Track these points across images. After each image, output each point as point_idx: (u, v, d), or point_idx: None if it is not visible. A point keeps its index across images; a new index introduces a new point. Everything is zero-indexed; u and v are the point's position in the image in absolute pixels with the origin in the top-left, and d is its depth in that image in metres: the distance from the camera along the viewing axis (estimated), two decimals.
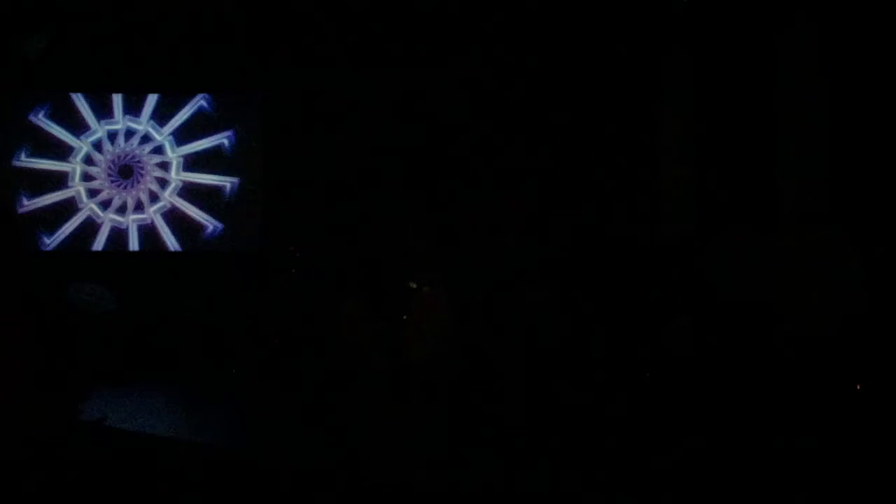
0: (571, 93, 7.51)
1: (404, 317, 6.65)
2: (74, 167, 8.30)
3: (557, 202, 7.50)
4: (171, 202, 8.31)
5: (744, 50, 6.66)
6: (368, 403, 5.91)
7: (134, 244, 8.27)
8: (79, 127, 8.32)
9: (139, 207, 8.32)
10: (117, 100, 8.32)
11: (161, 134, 8.33)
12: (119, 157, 8.34)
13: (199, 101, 8.31)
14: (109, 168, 8.34)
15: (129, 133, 8.34)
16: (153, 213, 8.31)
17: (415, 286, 6.74)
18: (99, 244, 8.25)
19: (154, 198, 8.32)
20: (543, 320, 6.87)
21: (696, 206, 7.03)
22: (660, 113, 7.36)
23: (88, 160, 8.32)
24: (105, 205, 8.32)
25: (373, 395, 6.10)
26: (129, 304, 7.79)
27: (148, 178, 8.32)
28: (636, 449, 4.39)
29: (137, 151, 8.34)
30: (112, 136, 8.34)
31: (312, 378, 6.67)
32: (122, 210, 8.32)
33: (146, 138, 8.34)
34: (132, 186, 8.33)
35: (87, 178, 8.32)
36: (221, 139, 8.31)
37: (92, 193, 8.32)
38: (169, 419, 5.69)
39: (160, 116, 8.34)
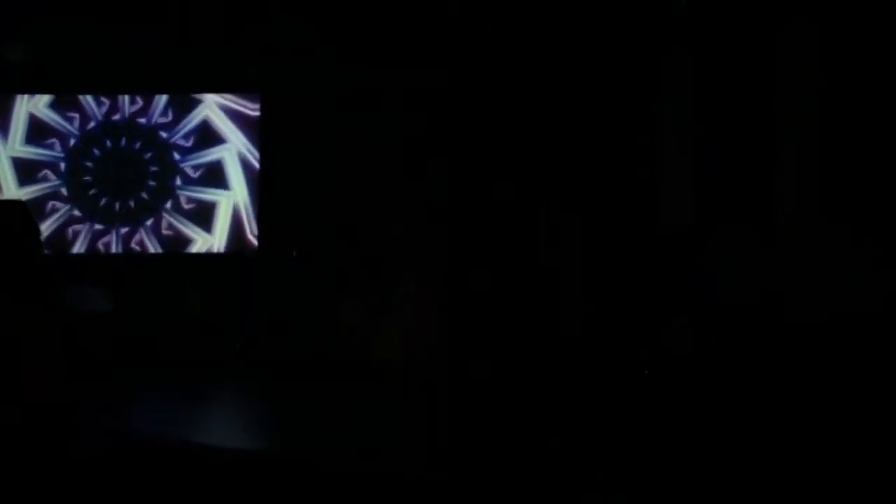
0: (571, 93, 7.50)
1: (401, 315, 6.66)
2: (69, 161, 8.16)
3: (557, 202, 7.50)
4: (161, 212, 8.15)
5: (744, 50, 6.67)
6: (367, 402, 5.91)
7: (118, 247, 8.12)
8: (80, 121, 8.19)
9: (129, 212, 8.16)
10: (124, 100, 8.20)
11: (163, 140, 8.19)
12: (116, 157, 8.21)
13: (205, 111, 8.19)
14: (105, 167, 8.19)
15: (132, 134, 8.20)
16: (141, 220, 8.15)
17: (410, 281, 6.76)
18: (82, 245, 8.09)
19: (146, 205, 8.16)
20: (543, 320, 6.88)
21: (695, 205, 7.04)
22: (660, 113, 7.36)
23: (84, 155, 8.18)
24: (94, 203, 8.16)
25: (371, 394, 6.10)
26: (125, 306, 7.74)
27: (143, 183, 8.17)
28: (636, 449, 4.39)
29: (137, 154, 8.20)
30: (114, 134, 8.21)
31: (311, 377, 6.68)
32: (110, 211, 8.16)
33: (148, 142, 8.20)
34: (125, 189, 8.18)
35: (80, 173, 8.18)
36: (223, 152, 8.18)
37: (83, 188, 8.17)
38: (169, 418, 5.68)
39: (166, 122, 8.21)
